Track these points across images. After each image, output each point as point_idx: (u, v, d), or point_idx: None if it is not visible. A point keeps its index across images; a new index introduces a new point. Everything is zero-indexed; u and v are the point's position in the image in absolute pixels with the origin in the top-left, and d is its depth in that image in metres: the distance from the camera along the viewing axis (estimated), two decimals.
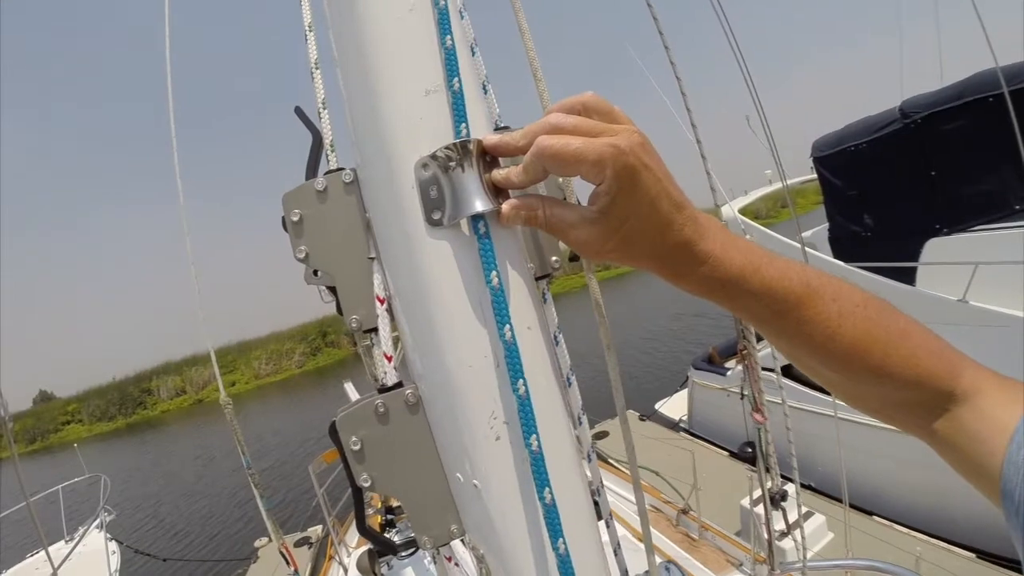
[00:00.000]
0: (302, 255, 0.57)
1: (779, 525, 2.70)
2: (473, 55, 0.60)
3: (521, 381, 0.47)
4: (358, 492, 0.58)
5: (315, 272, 0.58)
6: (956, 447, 0.52)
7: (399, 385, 0.57)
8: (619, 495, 4.52)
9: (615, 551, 0.71)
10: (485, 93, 0.61)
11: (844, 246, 6.37)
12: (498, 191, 0.50)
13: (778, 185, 8.08)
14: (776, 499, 2.42)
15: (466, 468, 0.53)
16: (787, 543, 3.48)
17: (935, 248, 5.38)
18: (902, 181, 5.69)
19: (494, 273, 0.48)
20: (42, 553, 7.46)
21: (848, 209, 6.33)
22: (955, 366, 0.53)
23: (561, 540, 0.47)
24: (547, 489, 0.47)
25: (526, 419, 0.47)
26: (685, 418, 8.90)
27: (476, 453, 0.52)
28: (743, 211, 7.79)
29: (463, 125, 0.49)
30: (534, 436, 0.47)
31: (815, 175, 6.76)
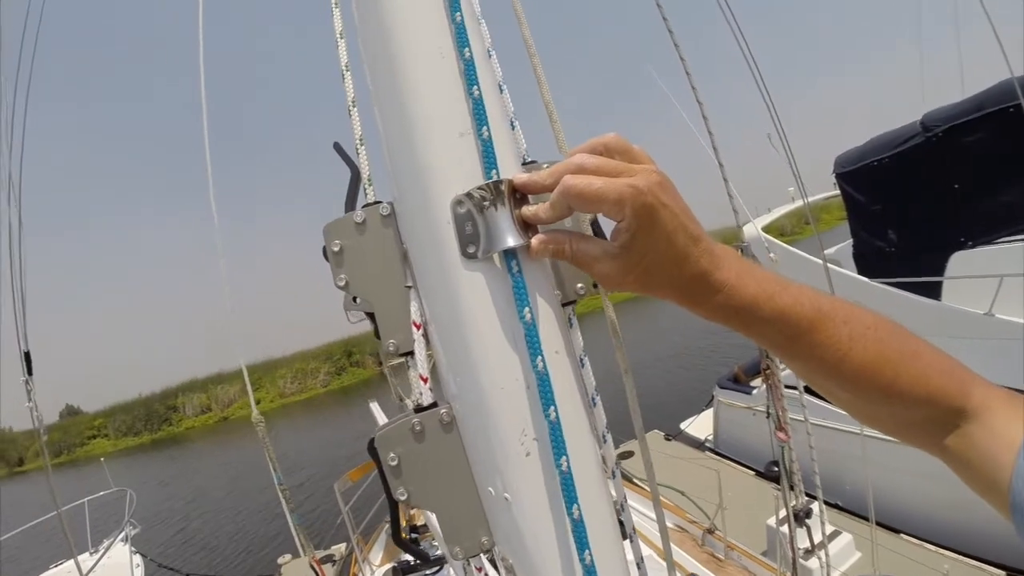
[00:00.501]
0: (342, 283, 0.61)
1: (804, 543, 2.67)
2: (501, 93, 0.64)
3: (552, 408, 0.51)
4: (394, 505, 0.62)
5: (354, 299, 0.61)
6: (967, 463, 0.54)
7: (434, 405, 0.60)
8: (644, 514, 4.49)
9: (638, 565, 0.73)
10: (513, 129, 0.64)
11: (869, 262, 6.31)
12: (527, 225, 0.54)
13: (800, 202, 8.05)
14: (800, 516, 2.41)
15: (497, 483, 0.56)
16: (813, 562, 3.44)
17: (960, 262, 5.31)
18: (925, 195, 5.64)
19: (527, 309, 0.52)
20: (67, 564, 7.62)
21: (872, 224, 6.27)
22: (965, 384, 0.55)
23: (587, 552, 0.50)
24: (575, 505, 0.51)
25: (556, 442, 0.51)
26: (711, 437, 8.80)
27: (507, 468, 0.55)
28: (767, 229, 7.74)
29: (493, 171, 0.54)
30: (564, 457, 0.51)
31: (838, 191, 6.72)
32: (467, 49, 0.56)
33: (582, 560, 0.50)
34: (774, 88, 2.98)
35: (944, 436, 0.55)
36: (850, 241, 6.68)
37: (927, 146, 5.52)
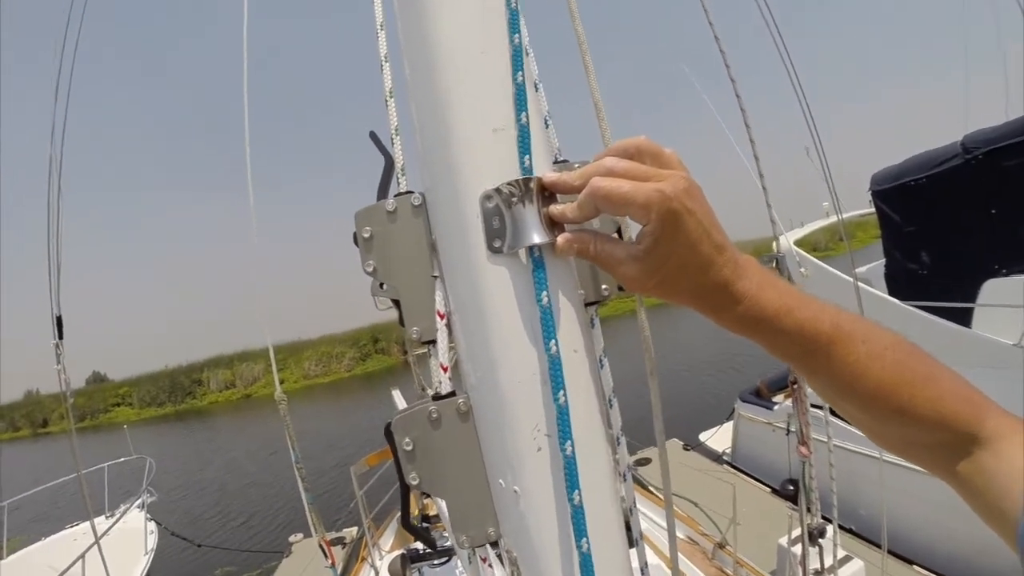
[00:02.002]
0: (370, 269, 0.62)
1: (816, 564, 2.64)
2: (536, 91, 0.64)
3: (562, 392, 0.52)
4: (405, 489, 0.63)
5: (381, 285, 0.63)
6: (977, 490, 0.54)
7: (452, 394, 0.61)
8: (656, 523, 4.48)
9: (641, 571, 0.73)
10: (546, 127, 0.65)
11: (900, 283, 6.19)
12: (554, 224, 0.55)
13: (835, 218, 7.94)
14: (815, 535, 2.38)
15: (508, 475, 0.57)
16: None
17: (993, 289, 5.18)
18: (962, 218, 5.50)
19: (544, 294, 0.53)
20: (82, 525, 7.80)
21: (905, 245, 6.15)
22: (980, 410, 0.55)
23: (585, 539, 0.51)
24: (576, 491, 0.51)
25: (563, 426, 0.52)
26: (729, 450, 8.73)
27: (518, 461, 0.56)
28: (799, 243, 7.63)
29: (527, 157, 0.54)
30: (569, 442, 0.51)
31: (873, 209, 6.60)
32: (508, 45, 0.56)
33: (579, 547, 0.51)
34: (812, 100, 2.95)
35: (955, 462, 0.55)
36: (882, 261, 6.57)
37: (966, 168, 5.37)
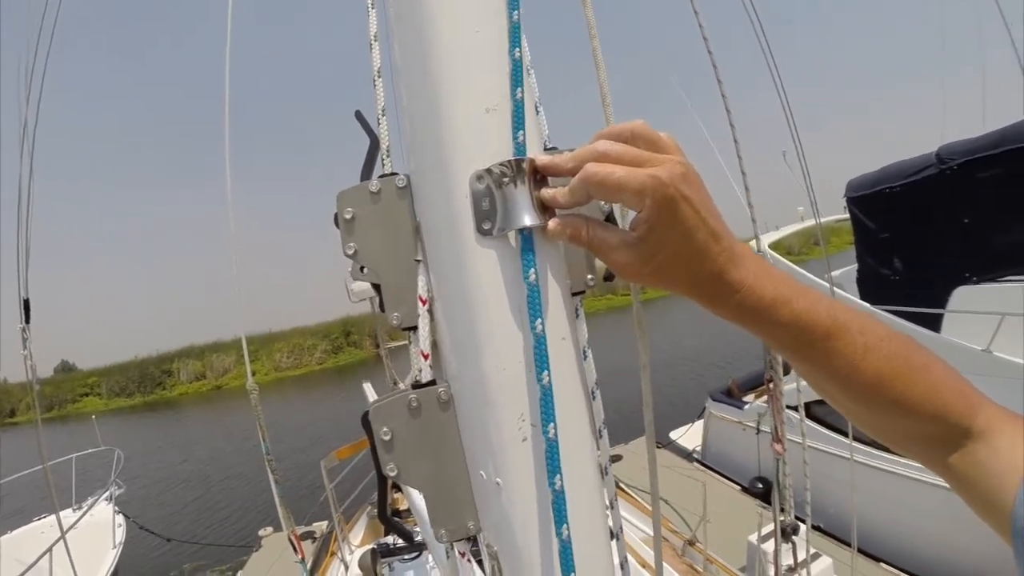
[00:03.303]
0: (351, 251, 0.60)
1: (788, 560, 2.67)
2: (529, 75, 0.63)
3: (546, 373, 0.50)
4: (383, 481, 0.61)
5: (362, 268, 0.61)
6: (970, 483, 0.54)
7: (432, 383, 0.60)
8: (627, 520, 4.50)
9: (621, 566, 0.72)
10: (538, 113, 0.64)
11: (871, 288, 6.30)
12: (544, 208, 0.53)
13: (810, 222, 8.03)
14: (788, 532, 2.40)
15: (490, 467, 0.56)
16: None
17: (963, 296, 5.29)
18: (934, 227, 5.62)
19: (532, 271, 0.51)
20: (49, 518, 7.63)
21: (878, 251, 6.26)
22: (974, 403, 0.55)
23: (565, 526, 0.49)
24: (558, 476, 0.50)
25: (546, 408, 0.50)
26: (699, 448, 8.84)
27: (502, 452, 0.54)
28: (774, 246, 7.73)
29: (520, 133, 0.53)
30: (552, 424, 0.50)
31: (847, 215, 6.71)
32: (515, 13, 0.55)
33: (559, 535, 0.49)
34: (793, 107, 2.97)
35: (948, 454, 0.55)
36: (855, 266, 6.68)
37: (940, 178, 5.49)
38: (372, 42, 0.67)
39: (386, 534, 4.31)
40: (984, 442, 0.53)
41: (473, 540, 0.62)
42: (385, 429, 0.58)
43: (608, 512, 0.64)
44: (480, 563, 0.64)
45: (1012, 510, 0.49)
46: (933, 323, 5.30)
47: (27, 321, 2.89)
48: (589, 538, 0.56)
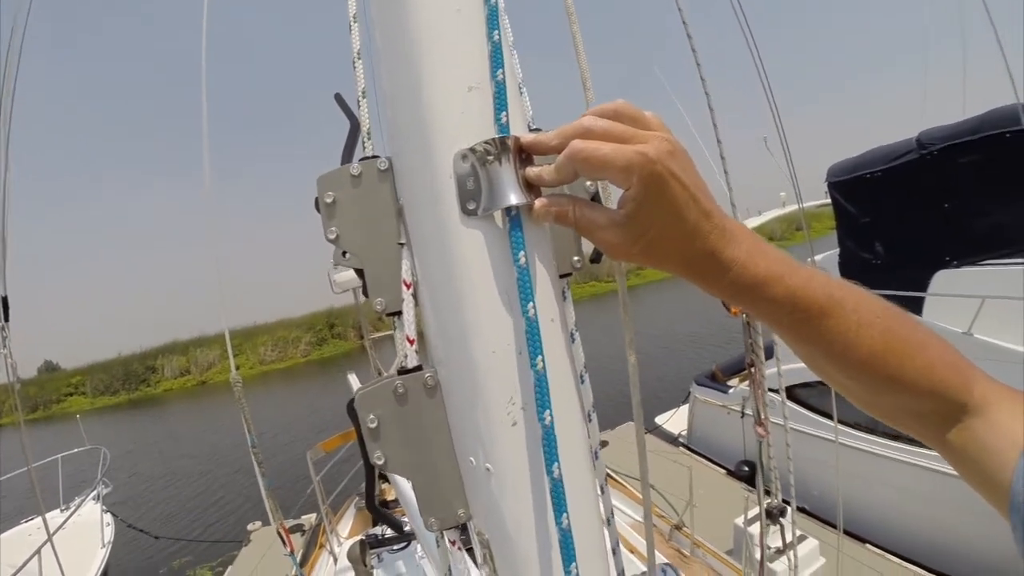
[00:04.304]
0: (333, 236, 0.59)
1: (775, 542, 2.70)
2: (512, 55, 0.62)
3: (540, 358, 0.49)
4: (370, 469, 0.60)
5: (344, 253, 0.60)
6: (967, 458, 0.54)
7: (419, 368, 0.59)
8: (616, 507, 4.52)
9: (613, 551, 0.72)
10: (521, 93, 0.63)
11: (853, 272, 6.35)
12: (530, 187, 0.52)
13: (792, 207, 8.09)
14: (775, 514, 2.42)
15: (479, 452, 0.55)
16: (778, 565, 3.47)
17: (944, 280, 5.36)
18: (915, 211, 5.69)
19: (522, 254, 0.50)
20: (36, 520, 7.57)
21: (859, 236, 6.32)
22: (969, 378, 0.54)
23: (565, 515, 0.49)
24: (556, 464, 0.49)
25: (541, 394, 0.49)
26: (685, 433, 8.92)
27: (491, 437, 0.54)
28: (756, 231, 7.78)
29: (503, 114, 0.52)
30: (547, 411, 0.49)
31: (829, 200, 6.76)
32: (483, 4, 0.54)
33: (559, 524, 0.49)
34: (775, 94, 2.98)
35: (945, 429, 0.55)
36: (837, 250, 6.74)
37: (921, 163, 5.55)
38: (352, 23, 0.65)
39: (374, 524, 4.32)
40: (981, 417, 0.53)
41: (463, 528, 0.61)
42: (371, 417, 0.57)
43: (599, 498, 0.63)
44: (471, 551, 0.64)
45: (1010, 485, 0.49)
46: (915, 306, 5.36)
47: (6, 319, 2.84)
48: (584, 524, 0.55)
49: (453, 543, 0.63)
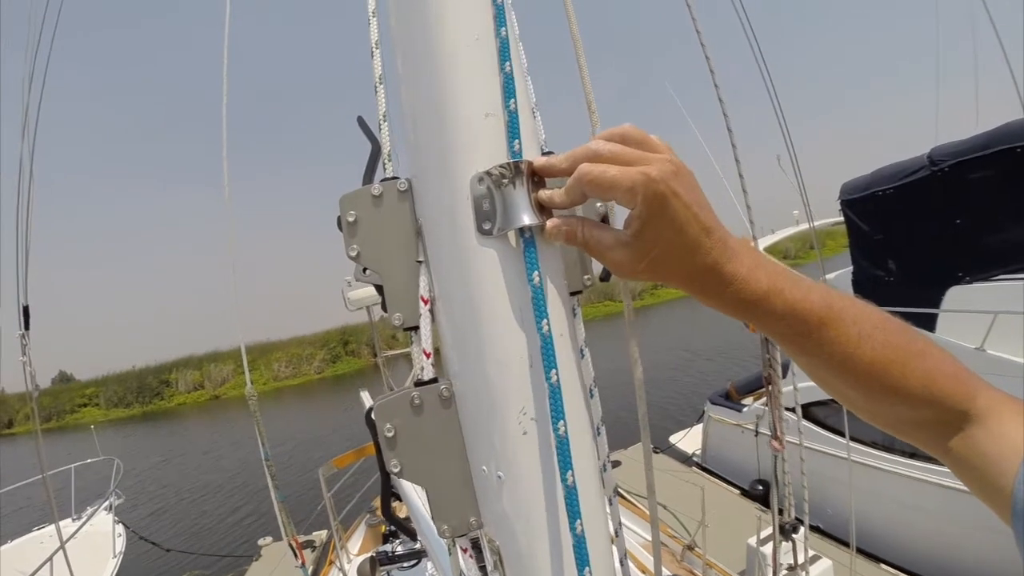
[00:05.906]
0: (354, 253, 0.62)
1: (788, 559, 2.67)
2: (526, 80, 0.65)
3: (554, 371, 0.52)
4: (387, 478, 0.63)
5: (364, 270, 0.62)
6: (970, 466, 0.55)
7: (435, 380, 0.61)
8: (627, 526, 4.50)
9: (621, 563, 0.74)
10: (534, 118, 0.66)
11: (866, 289, 6.31)
12: (542, 209, 0.55)
13: (805, 226, 8.07)
14: (788, 529, 2.40)
15: (491, 461, 0.57)
16: None
17: (956, 296, 5.32)
18: (927, 228, 5.65)
19: (536, 273, 0.53)
20: (48, 528, 7.60)
21: (873, 253, 6.30)
22: (970, 387, 0.55)
23: (579, 521, 0.51)
24: (570, 472, 0.51)
25: (555, 406, 0.52)
26: (699, 452, 8.83)
27: (504, 447, 0.56)
28: (770, 250, 7.76)
29: (516, 141, 0.55)
30: (562, 422, 0.51)
31: (842, 218, 6.74)
32: (503, 30, 0.57)
33: (573, 529, 0.51)
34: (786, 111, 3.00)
35: (948, 438, 0.56)
36: (850, 268, 6.71)
37: (932, 179, 5.52)
38: (373, 50, 0.69)
39: (385, 542, 4.31)
40: (983, 425, 0.54)
41: (476, 535, 0.63)
42: (388, 426, 0.59)
43: (608, 510, 0.65)
44: (483, 568, 0.66)
45: (1012, 492, 0.49)
46: (928, 323, 5.33)
47: (27, 328, 2.88)
48: (594, 533, 0.57)
49: (464, 550, 0.65)
